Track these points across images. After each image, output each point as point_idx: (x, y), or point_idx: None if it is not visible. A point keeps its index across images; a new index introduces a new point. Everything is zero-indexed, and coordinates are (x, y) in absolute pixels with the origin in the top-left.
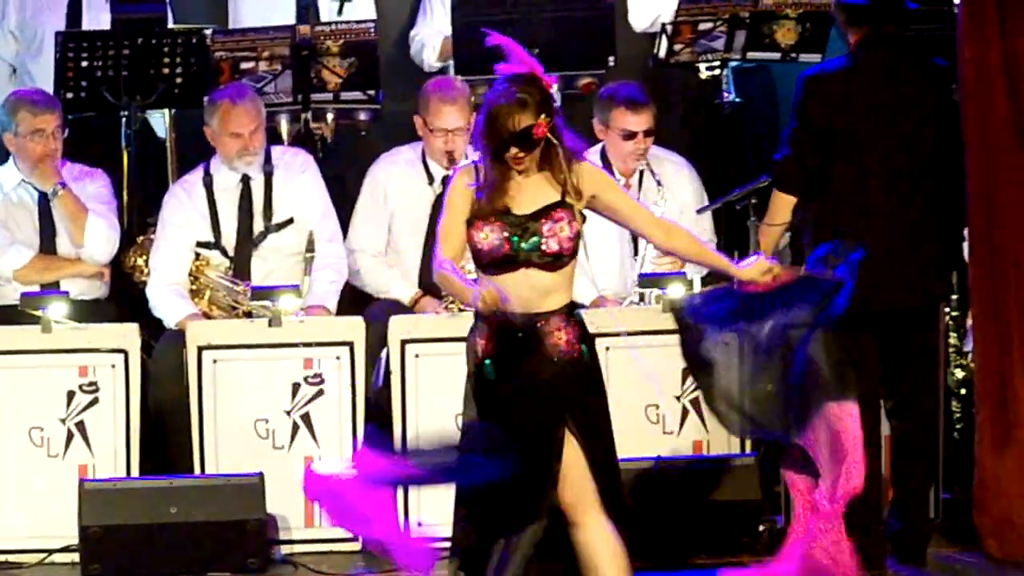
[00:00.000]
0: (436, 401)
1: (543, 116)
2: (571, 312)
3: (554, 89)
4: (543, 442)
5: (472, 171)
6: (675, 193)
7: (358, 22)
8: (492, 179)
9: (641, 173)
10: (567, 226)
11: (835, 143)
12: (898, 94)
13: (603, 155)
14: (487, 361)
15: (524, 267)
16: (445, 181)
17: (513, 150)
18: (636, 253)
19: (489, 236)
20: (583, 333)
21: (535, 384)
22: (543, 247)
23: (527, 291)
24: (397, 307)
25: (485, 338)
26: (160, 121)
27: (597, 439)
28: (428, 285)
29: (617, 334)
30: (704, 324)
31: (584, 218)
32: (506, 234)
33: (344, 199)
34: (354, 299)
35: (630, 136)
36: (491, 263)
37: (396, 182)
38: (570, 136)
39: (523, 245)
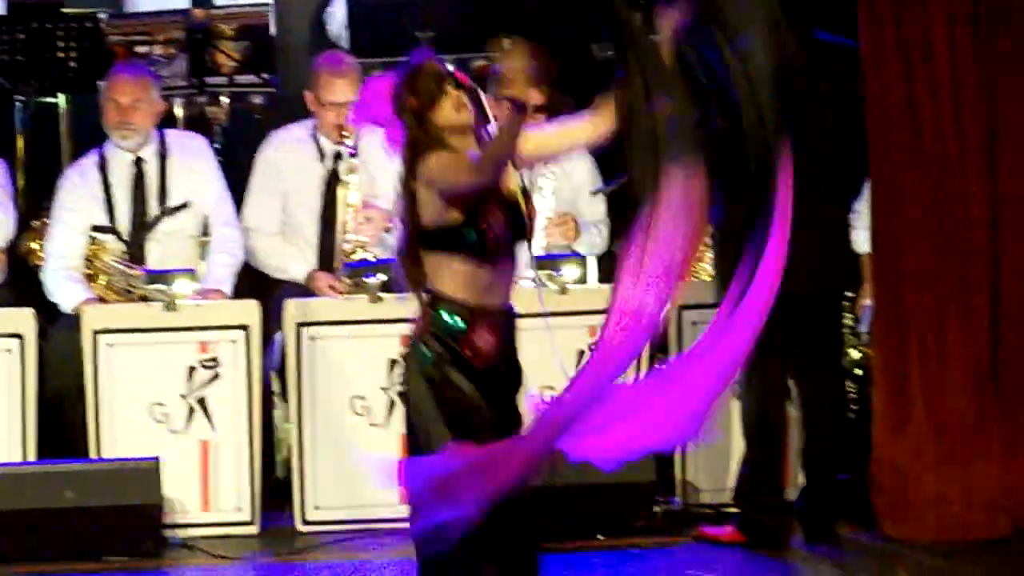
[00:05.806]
0: (331, 385)
1: None
2: None
3: None
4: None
5: None
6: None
7: (252, 5)
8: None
9: None
10: None
11: None
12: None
13: None
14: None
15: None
16: (336, 157)
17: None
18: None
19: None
20: None
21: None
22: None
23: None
24: (305, 293)
25: (491, 332)
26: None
27: None
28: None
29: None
30: None
31: None
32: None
33: (240, 183)
34: (254, 285)
35: None
36: (496, 250)
37: (288, 159)
38: None
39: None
